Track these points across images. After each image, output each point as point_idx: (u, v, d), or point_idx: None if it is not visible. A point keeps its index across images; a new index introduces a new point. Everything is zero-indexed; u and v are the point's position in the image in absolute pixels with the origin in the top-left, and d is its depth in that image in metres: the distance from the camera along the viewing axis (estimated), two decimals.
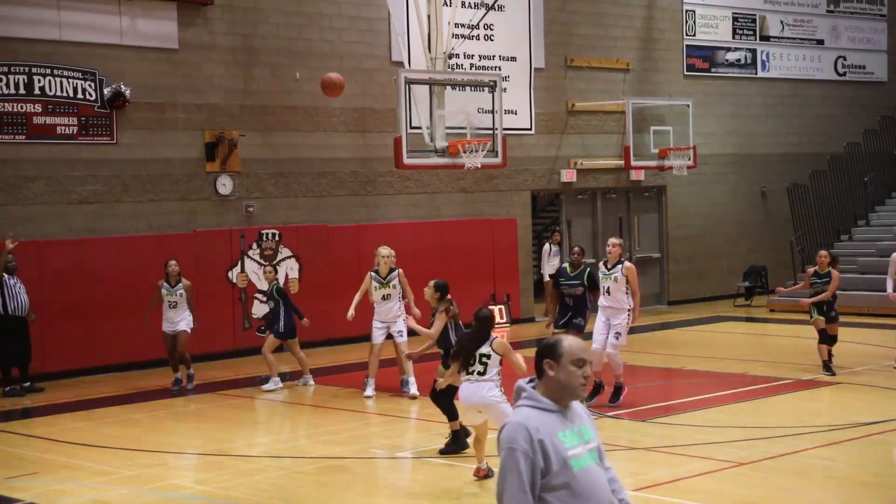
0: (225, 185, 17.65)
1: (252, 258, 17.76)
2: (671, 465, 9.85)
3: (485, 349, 9.05)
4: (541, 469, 4.09)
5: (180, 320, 14.43)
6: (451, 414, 10.18)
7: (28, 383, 14.65)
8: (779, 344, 17.93)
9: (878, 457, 9.99)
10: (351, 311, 13.49)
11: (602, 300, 12.34)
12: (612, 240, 12.55)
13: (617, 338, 12.21)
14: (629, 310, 12.27)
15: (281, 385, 14.38)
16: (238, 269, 17.61)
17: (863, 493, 8.83)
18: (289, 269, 18.12)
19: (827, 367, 14.27)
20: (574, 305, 12.70)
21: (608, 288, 12.27)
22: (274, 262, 17.82)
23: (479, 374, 9.01)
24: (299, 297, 18.08)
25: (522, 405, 4.27)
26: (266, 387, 14.33)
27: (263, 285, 17.80)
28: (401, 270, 13.73)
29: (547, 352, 4.31)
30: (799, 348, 16.79)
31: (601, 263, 12.56)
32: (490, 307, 11.06)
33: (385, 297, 13.59)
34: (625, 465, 10.01)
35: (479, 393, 8.98)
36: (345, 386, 14.66)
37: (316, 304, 18.21)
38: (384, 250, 13.71)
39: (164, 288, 14.41)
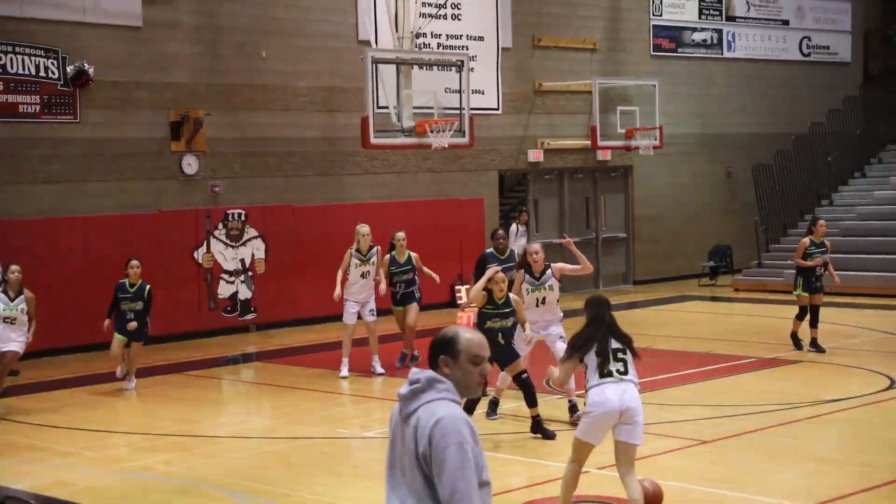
0: (190, 164, 17.53)
1: (218, 238, 17.68)
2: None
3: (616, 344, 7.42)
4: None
5: (14, 340, 12.09)
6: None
7: None
8: (743, 323, 18.11)
9: (839, 434, 10.13)
10: (338, 291, 13.44)
11: (534, 314, 10.72)
12: (534, 246, 11.24)
13: (564, 342, 10.23)
14: (560, 319, 10.95)
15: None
16: (204, 249, 17.52)
17: (824, 470, 8.96)
18: (255, 249, 18.05)
19: (796, 340, 14.44)
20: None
21: (543, 299, 10.80)
22: (240, 242, 17.78)
23: (620, 372, 7.34)
24: (266, 277, 18.06)
25: (447, 399, 3.97)
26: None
27: (229, 265, 17.78)
28: (379, 247, 13.78)
29: (443, 347, 4.02)
30: (763, 327, 16.96)
31: (523, 275, 10.92)
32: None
33: (364, 276, 13.59)
34: None
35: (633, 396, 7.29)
36: (312, 366, 14.66)
37: (282, 284, 18.18)
38: (364, 228, 13.71)
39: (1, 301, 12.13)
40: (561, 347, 10.44)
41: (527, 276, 10.91)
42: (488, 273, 10.30)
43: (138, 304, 12.96)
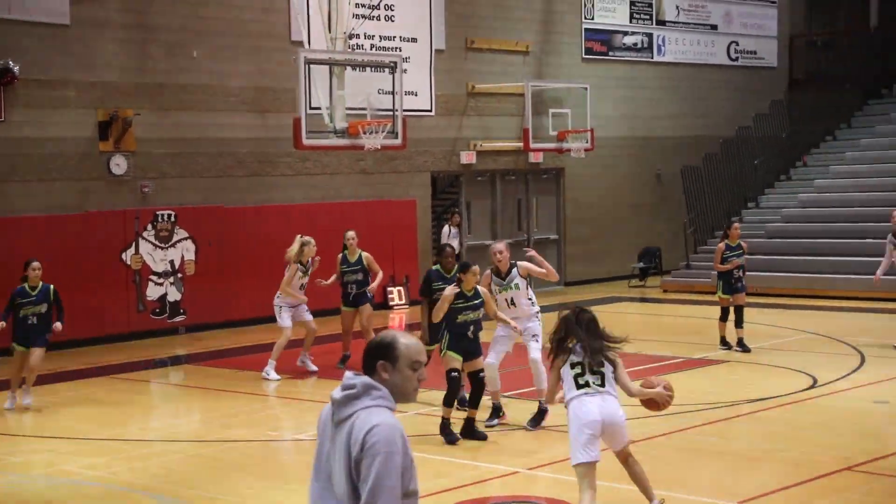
0: (119, 164, 17.29)
1: (147, 239, 17.46)
2: (565, 443, 10.00)
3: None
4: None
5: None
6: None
7: None
8: (671, 323, 18.35)
9: (764, 433, 10.32)
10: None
11: (507, 315, 10.60)
12: (498, 245, 10.94)
13: (537, 341, 10.64)
14: (537, 313, 10.83)
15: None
16: (132, 250, 17.30)
17: (750, 468, 9.12)
18: (185, 250, 17.86)
19: (724, 342, 14.77)
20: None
21: (511, 299, 10.71)
22: (169, 244, 17.59)
23: (599, 385, 7.40)
24: (196, 279, 17.89)
25: (382, 406, 3.93)
26: None
27: (158, 267, 17.56)
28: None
29: (381, 352, 3.98)
30: (691, 327, 17.21)
31: (490, 276, 10.79)
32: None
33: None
34: (519, 444, 10.15)
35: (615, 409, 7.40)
36: (242, 368, 14.54)
37: (213, 285, 18.01)
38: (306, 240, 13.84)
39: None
40: (534, 347, 10.64)
41: (493, 276, 10.80)
42: (446, 294, 10.04)
43: (42, 308, 11.86)
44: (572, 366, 7.38)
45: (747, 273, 15.11)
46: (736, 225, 15.39)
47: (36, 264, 12.01)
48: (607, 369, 7.42)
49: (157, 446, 10.42)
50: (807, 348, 15.10)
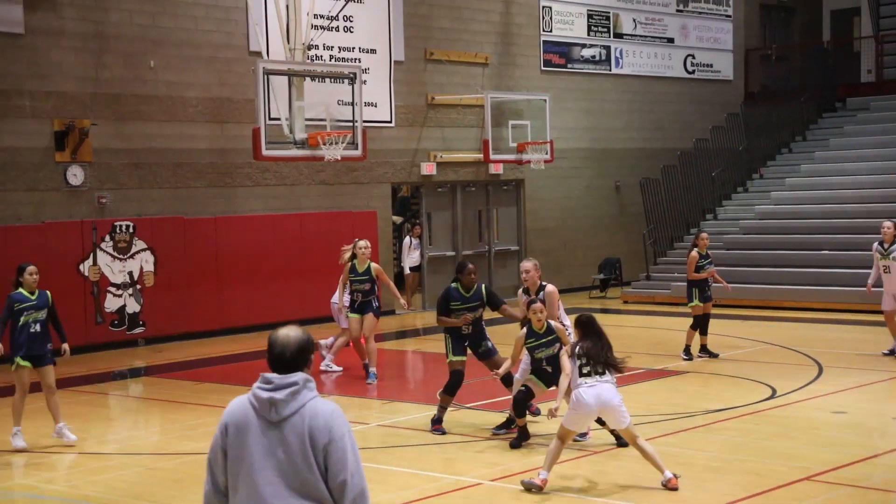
0: (76, 175, 17.11)
1: (105, 251, 17.28)
2: (526, 454, 10.01)
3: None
4: None
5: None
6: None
7: None
8: (632, 335, 18.41)
9: (724, 443, 10.38)
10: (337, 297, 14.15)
11: None
12: (526, 264, 10.69)
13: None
14: (568, 330, 10.12)
15: None
16: (90, 261, 17.10)
17: (710, 478, 9.16)
18: (143, 261, 17.69)
19: (688, 351, 14.92)
20: (475, 331, 10.87)
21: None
22: (128, 255, 17.42)
23: (599, 373, 8.79)
24: (155, 290, 17.72)
25: (318, 394, 4.32)
26: None
27: (117, 278, 17.36)
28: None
29: (311, 349, 4.37)
30: (651, 338, 17.29)
31: (521, 295, 10.71)
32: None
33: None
34: (481, 455, 10.14)
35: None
36: (202, 380, 14.41)
37: (172, 297, 17.85)
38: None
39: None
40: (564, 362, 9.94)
41: (524, 296, 10.55)
42: (519, 337, 10.00)
43: (43, 314, 10.78)
44: (578, 357, 8.80)
45: None
46: (704, 234, 15.61)
47: (33, 268, 10.85)
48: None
49: (116, 459, 10.29)
50: (765, 359, 15.22)
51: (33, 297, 10.77)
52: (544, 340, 9.94)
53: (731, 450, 10.10)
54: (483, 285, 11.00)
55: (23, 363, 10.60)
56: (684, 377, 13.88)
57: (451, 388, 10.72)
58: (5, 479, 9.64)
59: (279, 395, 4.21)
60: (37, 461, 10.26)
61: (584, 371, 8.75)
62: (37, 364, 10.67)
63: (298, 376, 4.26)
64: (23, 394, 10.66)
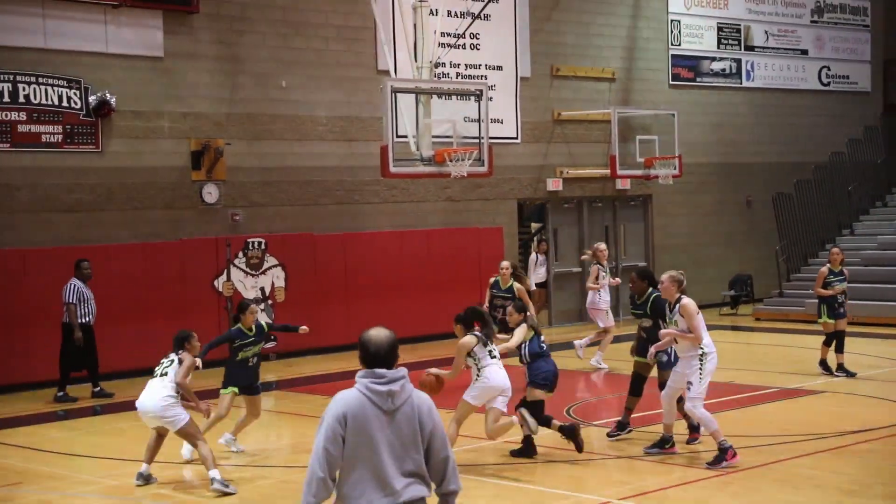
0: (211, 193, 17.60)
1: (238, 267, 17.71)
2: (658, 473, 9.85)
3: None
4: None
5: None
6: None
7: (98, 388, 14.88)
8: (764, 352, 17.98)
9: (861, 465, 10.02)
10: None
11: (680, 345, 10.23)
12: (663, 277, 10.36)
13: (689, 388, 9.98)
14: (700, 354, 10.02)
15: None
16: (224, 277, 17.55)
17: (848, 502, 8.85)
18: (275, 277, 18.08)
19: (825, 364, 14.70)
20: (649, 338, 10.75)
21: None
22: (260, 271, 17.83)
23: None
24: (286, 306, 18.08)
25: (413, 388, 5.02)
26: None
27: (250, 294, 17.76)
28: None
29: (397, 347, 5.03)
30: (785, 356, 16.84)
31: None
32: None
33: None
34: (612, 473, 10.02)
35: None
36: (333, 395, 14.58)
37: (302, 312, 18.17)
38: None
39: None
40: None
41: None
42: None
43: (260, 348, 11.26)
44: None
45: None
46: (835, 249, 15.27)
47: (254, 307, 11.26)
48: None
49: (249, 471, 10.49)
50: None
51: (251, 334, 11.14)
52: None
53: (870, 473, 9.75)
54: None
55: (231, 390, 11.03)
56: (820, 397, 13.47)
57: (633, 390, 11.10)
58: (143, 488, 9.90)
59: (395, 386, 4.86)
60: (172, 472, 10.52)
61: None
62: (250, 393, 11.14)
63: (403, 370, 4.92)
64: (217, 416, 10.91)
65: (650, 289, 10.86)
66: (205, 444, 9.69)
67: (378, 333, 4.99)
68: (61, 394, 14.65)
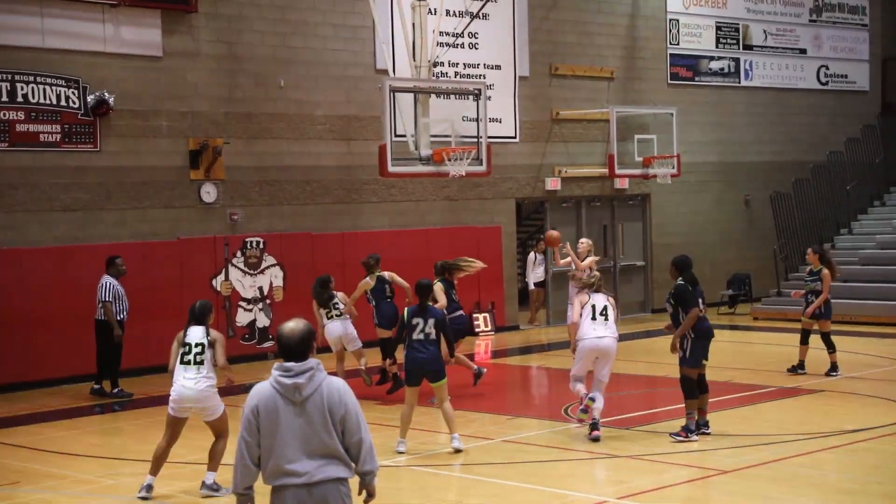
0: (209, 192, 17.60)
1: (236, 266, 17.72)
2: (655, 472, 9.86)
3: None
4: None
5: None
6: None
7: (117, 389, 14.72)
8: (762, 352, 17.99)
9: (861, 464, 10.03)
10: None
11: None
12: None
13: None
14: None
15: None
16: (222, 276, 17.56)
17: (846, 501, 8.85)
18: (273, 276, 18.08)
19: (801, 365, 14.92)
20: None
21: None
22: (258, 270, 17.83)
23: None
24: (284, 305, 18.08)
25: (327, 376, 5.33)
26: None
27: (248, 293, 17.76)
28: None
29: (312, 338, 5.30)
30: (783, 355, 16.84)
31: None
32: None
33: None
34: (608, 472, 10.03)
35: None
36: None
37: (301, 311, 18.15)
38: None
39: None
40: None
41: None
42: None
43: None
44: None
45: (840, 300, 15.02)
46: (809, 250, 15.37)
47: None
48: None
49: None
50: None
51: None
52: None
53: (868, 472, 9.76)
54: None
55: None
56: (818, 396, 13.48)
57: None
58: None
59: (300, 379, 5.18)
60: (173, 471, 10.48)
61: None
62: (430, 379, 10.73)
63: (312, 362, 5.22)
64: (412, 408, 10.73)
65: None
66: (225, 443, 9.58)
67: (293, 326, 5.27)
68: (98, 387, 14.73)
